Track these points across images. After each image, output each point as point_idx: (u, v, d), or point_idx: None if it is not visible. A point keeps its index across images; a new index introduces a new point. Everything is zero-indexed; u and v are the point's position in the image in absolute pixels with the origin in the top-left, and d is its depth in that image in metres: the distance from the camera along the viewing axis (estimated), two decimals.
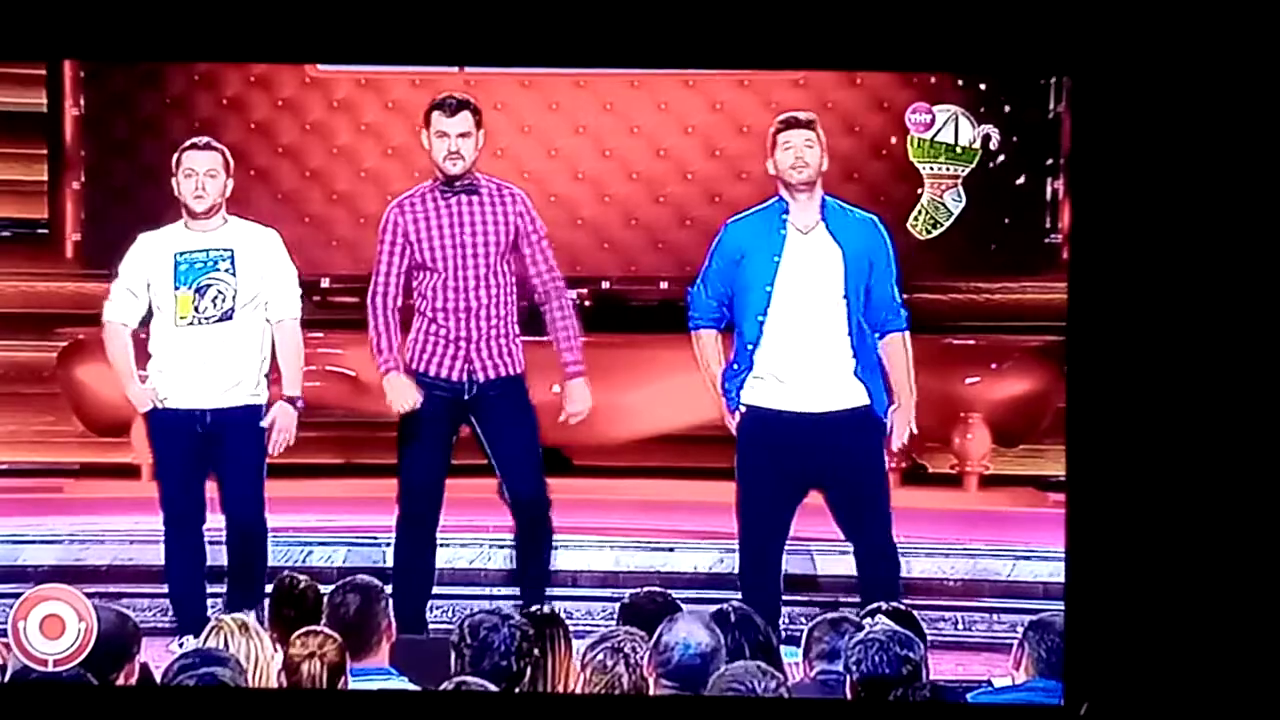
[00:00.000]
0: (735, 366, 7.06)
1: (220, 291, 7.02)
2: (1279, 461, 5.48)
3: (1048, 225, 9.55)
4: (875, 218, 7.14)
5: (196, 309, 7.03)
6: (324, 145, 9.72)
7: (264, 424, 7.08)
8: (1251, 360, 5.47)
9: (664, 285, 9.58)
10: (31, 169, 9.55)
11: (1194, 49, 5.48)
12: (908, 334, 7.09)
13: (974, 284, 9.41)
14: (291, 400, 7.15)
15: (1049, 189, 9.51)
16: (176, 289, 7.04)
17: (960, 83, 8.55)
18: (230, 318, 7.06)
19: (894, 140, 8.66)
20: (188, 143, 7.27)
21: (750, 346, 6.99)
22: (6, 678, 5.41)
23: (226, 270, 7.06)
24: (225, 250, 7.09)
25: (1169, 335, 5.48)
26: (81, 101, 9.61)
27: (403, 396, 7.09)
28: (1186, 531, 5.43)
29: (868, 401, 6.99)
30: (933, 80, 8.91)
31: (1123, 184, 5.49)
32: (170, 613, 7.27)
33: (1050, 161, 9.43)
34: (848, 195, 7.43)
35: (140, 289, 7.12)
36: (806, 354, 6.97)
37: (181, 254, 7.07)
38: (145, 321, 7.17)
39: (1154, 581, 5.42)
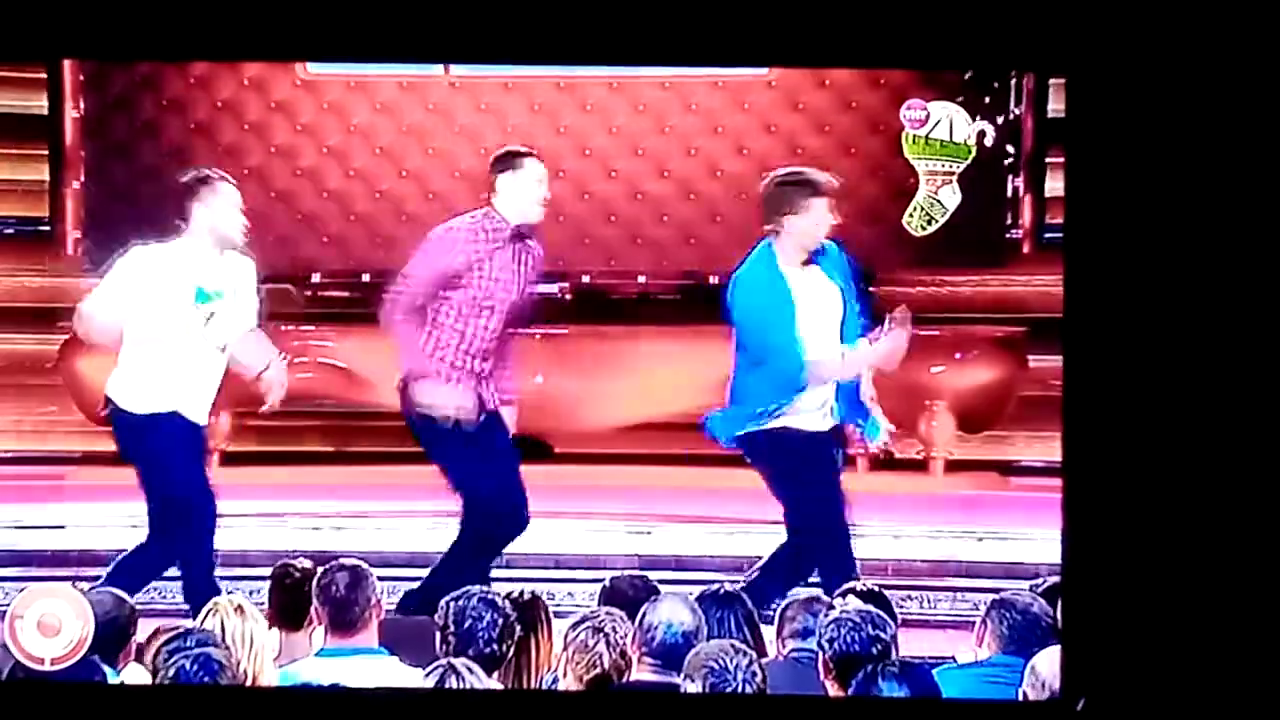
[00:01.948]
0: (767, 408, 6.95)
1: (222, 321, 6.82)
2: (1275, 450, 5.46)
3: (1009, 221, 9.58)
4: (835, 243, 7.05)
5: (204, 334, 6.83)
6: (315, 145, 9.70)
7: (265, 381, 6.83)
8: (1245, 348, 5.46)
9: (642, 280, 9.58)
10: (33, 169, 9.54)
11: (1178, 46, 5.46)
12: None
13: (939, 277, 9.42)
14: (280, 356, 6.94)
15: (1010, 186, 9.54)
16: (195, 307, 6.80)
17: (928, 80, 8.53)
18: (225, 349, 6.86)
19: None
20: (221, 175, 6.89)
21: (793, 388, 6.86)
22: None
23: (230, 303, 6.84)
24: (231, 284, 6.85)
25: (1164, 325, 5.46)
26: (81, 104, 9.60)
27: (448, 401, 6.85)
28: (1184, 523, 5.40)
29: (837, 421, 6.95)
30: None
31: (1118, 177, 5.47)
32: (167, 594, 7.23)
33: (1010, 160, 9.45)
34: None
35: (133, 298, 6.84)
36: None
37: (200, 279, 6.82)
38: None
39: (1152, 574, 5.40)
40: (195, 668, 5.01)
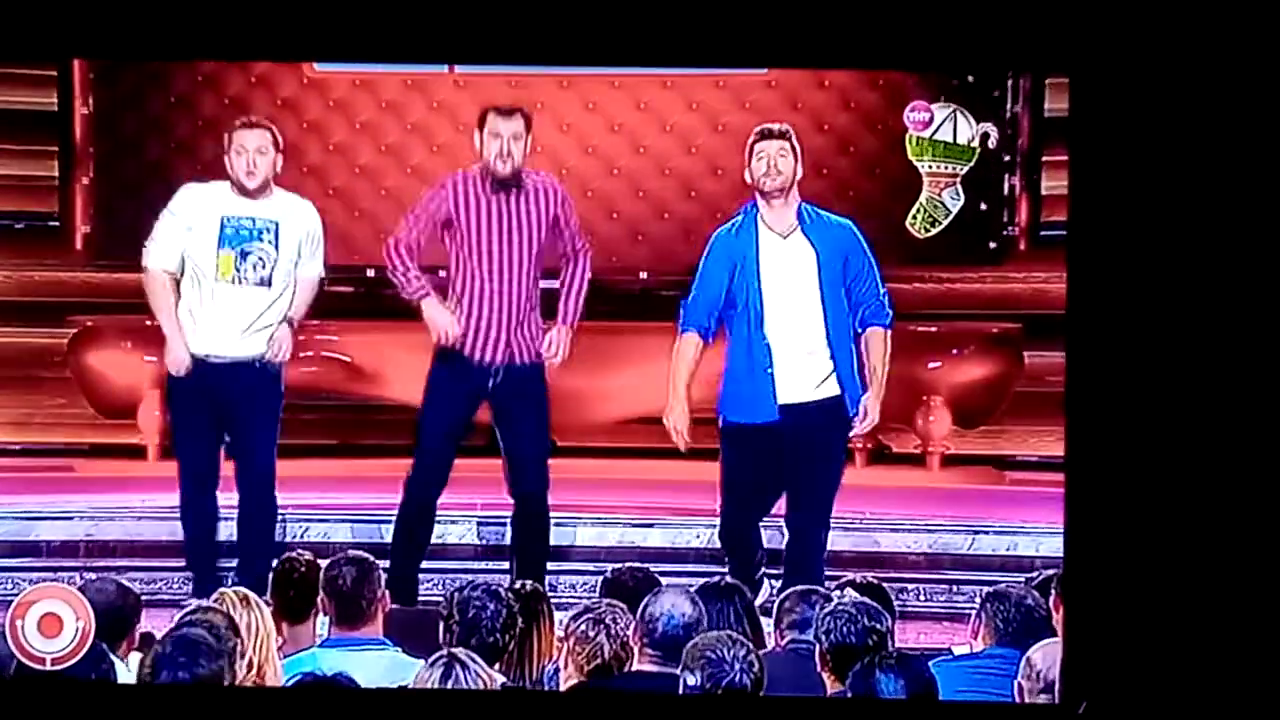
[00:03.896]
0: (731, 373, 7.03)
1: (261, 259, 7.00)
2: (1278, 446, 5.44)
3: (1005, 219, 9.58)
4: (851, 222, 7.08)
5: (238, 270, 7.00)
6: (321, 143, 9.70)
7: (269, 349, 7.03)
8: (1247, 344, 5.44)
9: (644, 275, 9.59)
10: (43, 165, 9.54)
11: (1182, 43, 5.45)
12: (889, 331, 7.04)
13: (935, 274, 9.42)
14: (289, 321, 7.09)
15: (1007, 185, 9.54)
16: (220, 249, 6.99)
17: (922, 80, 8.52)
18: (268, 284, 7.02)
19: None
20: (238, 121, 7.18)
21: (748, 346, 6.96)
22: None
23: (269, 242, 7.03)
24: (271, 222, 7.04)
25: (1166, 321, 5.45)
26: (91, 101, 9.60)
27: (443, 322, 7.03)
28: (1187, 519, 5.38)
29: (839, 392, 6.96)
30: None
31: (1120, 173, 5.46)
32: (173, 584, 7.24)
33: (1008, 159, 9.46)
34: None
35: (183, 236, 7.02)
36: (789, 351, 6.94)
37: (229, 218, 7.02)
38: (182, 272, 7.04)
39: (1154, 571, 5.37)
40: (174, 650, 4.96)
